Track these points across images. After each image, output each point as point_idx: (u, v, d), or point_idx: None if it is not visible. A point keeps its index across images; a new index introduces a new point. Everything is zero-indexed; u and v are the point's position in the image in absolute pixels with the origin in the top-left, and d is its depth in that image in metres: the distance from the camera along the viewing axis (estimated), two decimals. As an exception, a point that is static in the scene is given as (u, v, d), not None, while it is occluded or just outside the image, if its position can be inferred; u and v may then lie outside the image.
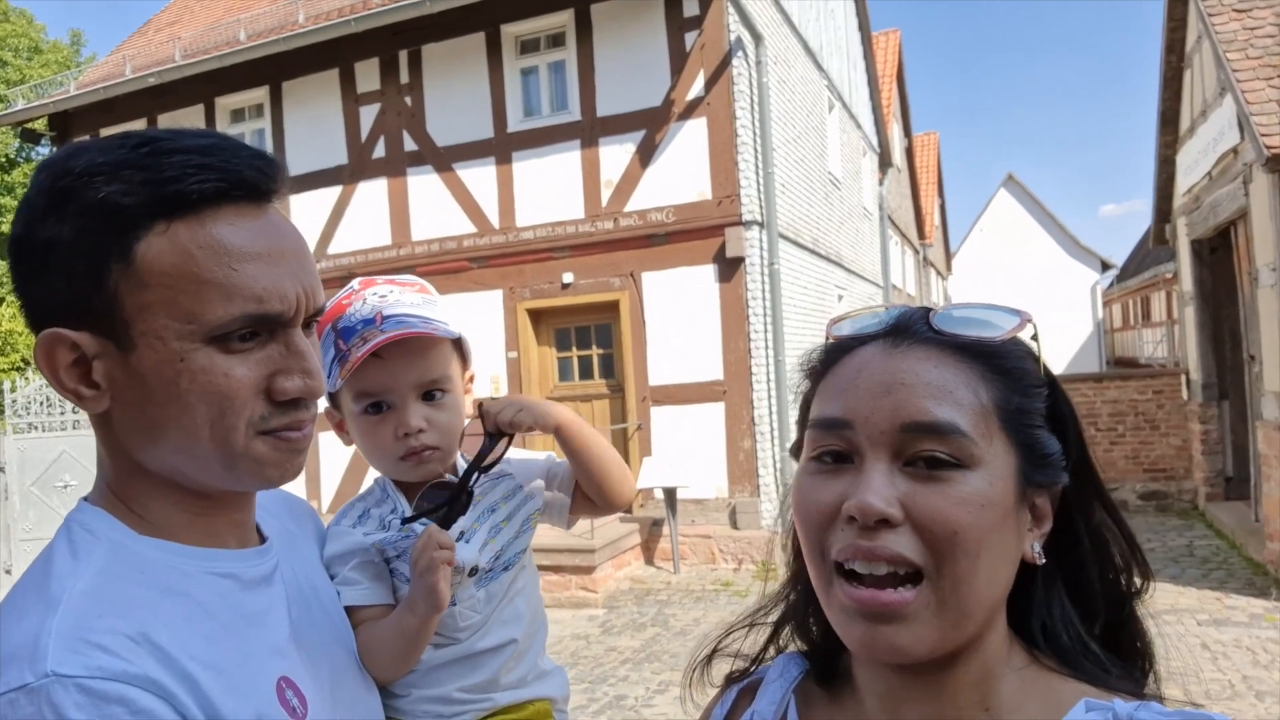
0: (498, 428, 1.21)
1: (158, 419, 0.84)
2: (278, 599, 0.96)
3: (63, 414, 10.87)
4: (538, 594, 1.35)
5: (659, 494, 9.03)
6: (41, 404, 10.95)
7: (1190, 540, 9.17)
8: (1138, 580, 0.81)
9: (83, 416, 10.68)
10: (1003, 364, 0.75)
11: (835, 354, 0.80)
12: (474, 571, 1.22)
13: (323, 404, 1.25)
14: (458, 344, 1.29)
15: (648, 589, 8.50)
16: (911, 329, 0.77)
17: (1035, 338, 0.78)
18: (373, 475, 1.34)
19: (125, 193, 0.80)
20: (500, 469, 1.27)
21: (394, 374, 1.20)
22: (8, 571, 9.91)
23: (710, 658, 0.94)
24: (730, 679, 0.93)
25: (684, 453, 9.28)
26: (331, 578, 1.16)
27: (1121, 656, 0.80)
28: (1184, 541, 9.11)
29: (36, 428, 10.73)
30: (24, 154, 26.01)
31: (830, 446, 0.75)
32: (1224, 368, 10.11)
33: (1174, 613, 6.72)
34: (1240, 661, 5.70)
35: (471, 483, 1.19)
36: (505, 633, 1.25)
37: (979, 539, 0.70)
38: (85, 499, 0.91)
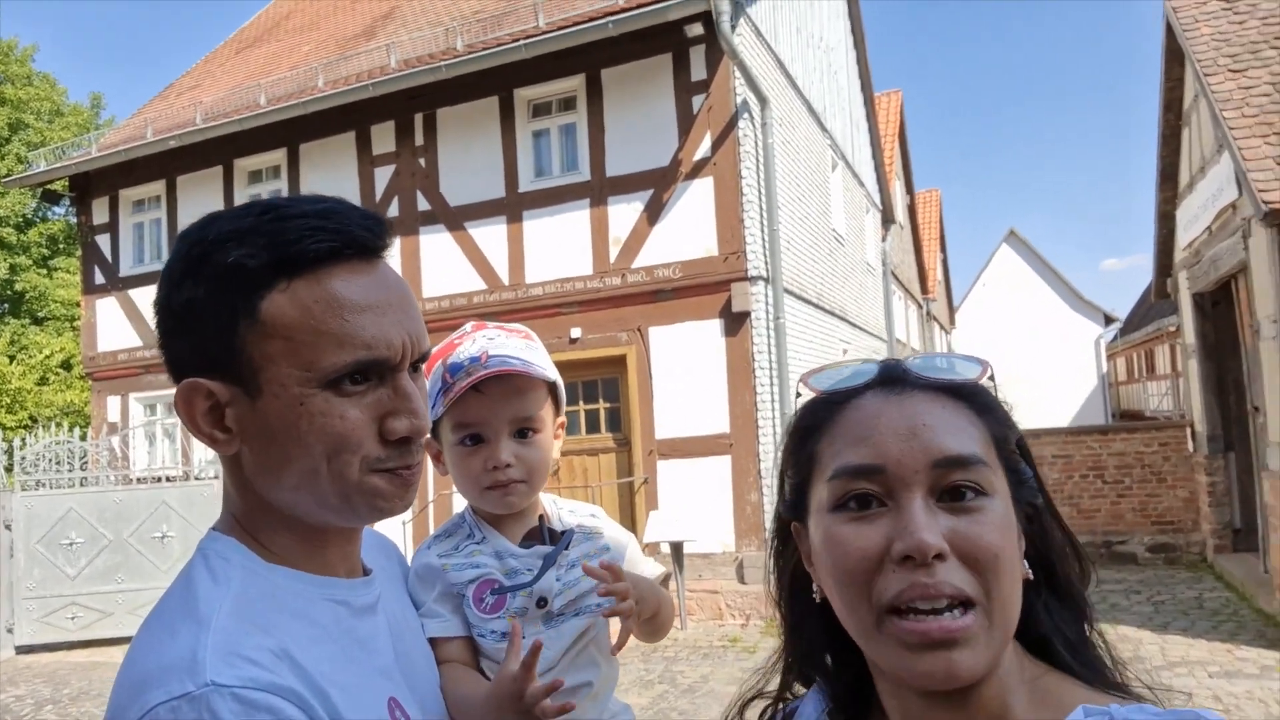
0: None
1: (281, 458, 0.92)
2: (382, 627, 1.04)
3: (70, 471, 10.86)
4: (609, 644, 1.40)
5: (665, 548, 9.03)
6: (50, 461, 10.97)
7: (1200, 593, 9.13)
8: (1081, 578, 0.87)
9: (89, 475, 10.79)
10: (984, 401, 0.83)
11: (830, 407, 0.84)
12: (543, 602, 1.29)
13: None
14: (553, 390, 1.39)
15: (654, 645, 8.45)
16: (903, 378, 0.83)
17: (991, 378, 0.85)
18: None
19: (251, 255, 0.90)
20: (598, 535, 1.40)
21: (491, 409, 1.30)
22: (9, 630, 9.83)
23: (742, 710, 0.98)
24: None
25: (691, 507, 9.31)
26: (417, 606, 1.24)
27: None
28: (1193, 594, 9.07)
29: (44, 485, 10.74)
30: (40, 214, 26.42)
31: (860, 491, 0.78)
32: (1229, 419, 10.16)
33: (1185, 665, 6.69)
34: (1253, 714, 5.67)
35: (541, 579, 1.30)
36: (582, 676, 1.31)
37: (1010, 559, 0.76)
38: (214, 529, 0.99)
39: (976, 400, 0.82)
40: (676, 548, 8.85)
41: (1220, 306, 10.17)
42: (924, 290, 26.14)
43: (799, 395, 0.88)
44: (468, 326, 1.39)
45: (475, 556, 1.31)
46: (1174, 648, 7.19)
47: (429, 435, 1.34)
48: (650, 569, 1.49)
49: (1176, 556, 10.77)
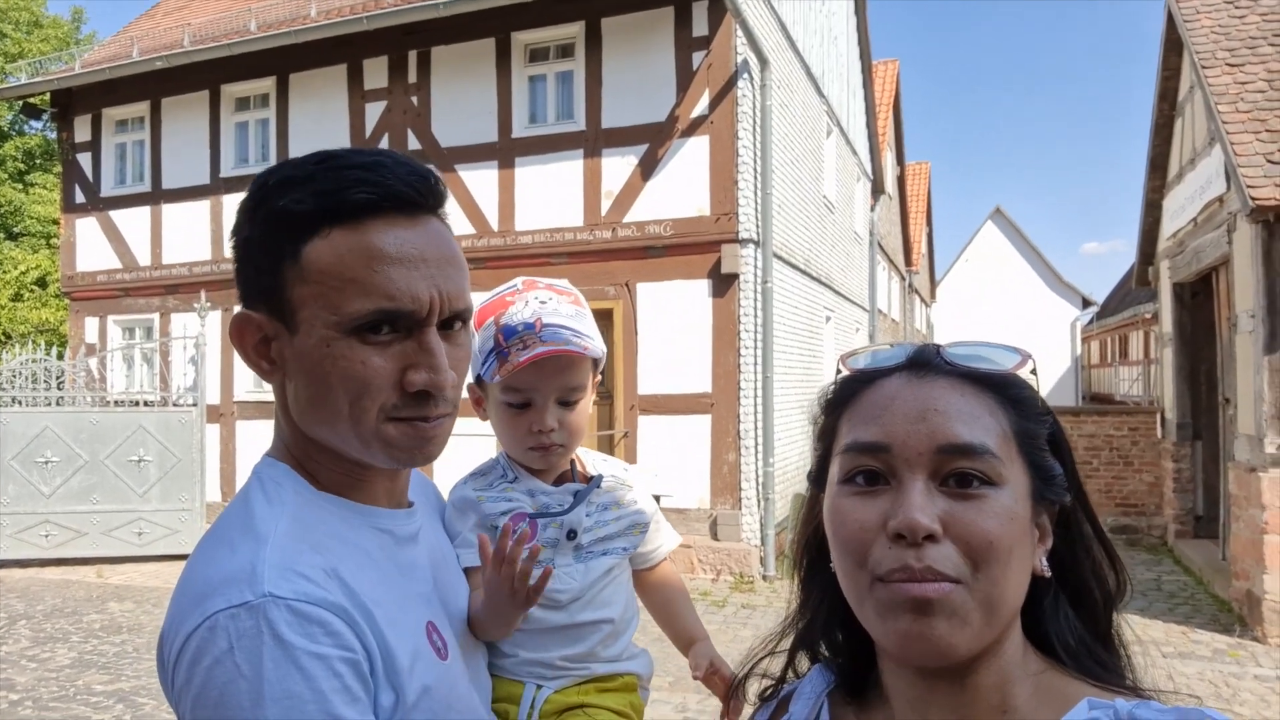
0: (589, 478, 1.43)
1: (310, 396, 0.97)
2: (422, 556, 1.10)
3: (47, 389, 10.79)
4: (632, 591, 1.49)
5: (642, 502, 9.12)
6: (27, 379, 10.87)
7: (1159, 575, 9.38)
8: (1115, 587, 0.88)
9: (66, 394, 10.71)
10: (1013, 393, 0.82)
11: (856, 385, 0.86)
12: (573, 535, 1.36)
13: (468, 380, 1.41)
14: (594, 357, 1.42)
15: (626, 595, 8.57)
16: (930, 363, 0.84)
17: (1034, 373, 0.86)
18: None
19: (299, 201, 0.95)
20: (627, 488, 1.47)
21: (542, 379, 1.35)
22: (-16, 546, 9.83)
23: (744, 679, 1.02)
24: (762, 697, 1.01)
25: (669, 462, 9.42)
26: (452, 538, 1.30)
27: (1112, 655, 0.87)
28: (1152, 576, 9.31)
29: (20, 402, 10.66)
30: (17, 127, 25.81)
31: (865, 467, 0.80)
32: (1199, 409, 10.36)
33: (1140, 644, 6.83)
34: (1204, 694, 5.87)
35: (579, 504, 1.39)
36: (604, 612, 1.39)
37: (1009, 548, 0.76)
38: (268, 454, 1.04)
39: (1004, 391, 0.83)
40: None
41: (1199, 298, 10.31)
42: (908, 263, 26.25)
43: (839, 373, 0.90)
44: (518, 283, 1.43)
45: (509, 493, 1.38)
46: (1131, 627, 7.40)
47: (472, 383, 1.38)
48: (670, 536, 1.55)
49: (1138, 539, 11.04)
